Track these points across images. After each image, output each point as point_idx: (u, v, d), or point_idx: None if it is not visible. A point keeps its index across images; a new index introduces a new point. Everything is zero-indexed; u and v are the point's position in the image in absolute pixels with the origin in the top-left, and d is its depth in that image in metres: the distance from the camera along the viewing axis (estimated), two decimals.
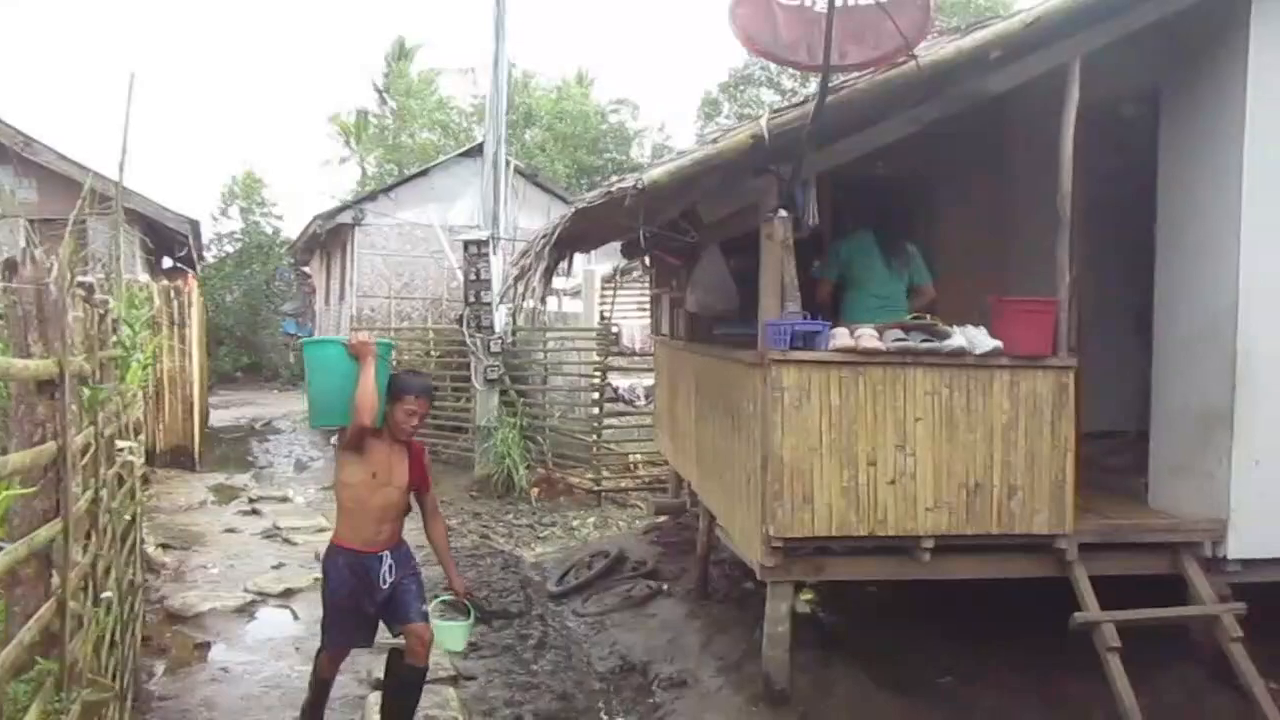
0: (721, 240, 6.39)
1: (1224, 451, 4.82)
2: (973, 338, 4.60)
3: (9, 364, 1.82)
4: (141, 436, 11.92)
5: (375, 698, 5.26)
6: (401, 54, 32.82)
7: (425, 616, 4.49)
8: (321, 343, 4.50)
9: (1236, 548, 4.85)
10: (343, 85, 64.12)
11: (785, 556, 4.67)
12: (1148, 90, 5.38)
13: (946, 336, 4.57)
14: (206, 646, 6.26)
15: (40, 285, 2.05)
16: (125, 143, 8.61)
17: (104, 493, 3.95)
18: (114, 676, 4.55)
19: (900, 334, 4.59)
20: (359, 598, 4.36)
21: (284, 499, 11.32)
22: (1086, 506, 5.17)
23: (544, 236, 4.98)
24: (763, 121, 4.18)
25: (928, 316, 4.68)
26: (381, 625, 4.60)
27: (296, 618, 6.93)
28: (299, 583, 7.63)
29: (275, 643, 6.35)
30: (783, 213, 4.41)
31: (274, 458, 15.32)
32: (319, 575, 7.93)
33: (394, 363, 14.03)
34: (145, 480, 11.77)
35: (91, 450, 3.88)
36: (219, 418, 20.26)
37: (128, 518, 4.91)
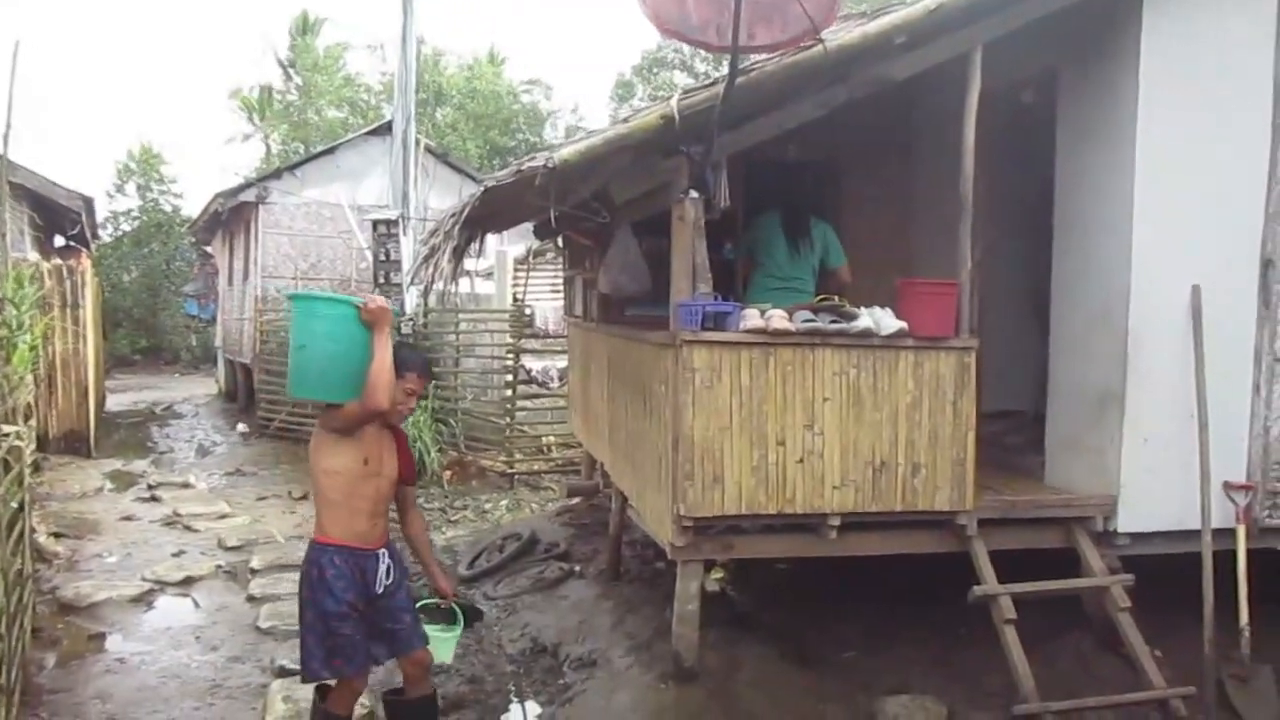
0: (634, 221, 6.38)
1: (1115, 430, 5.02)
2: (879, 319, 4.69)
3: None
4: (32, 421, 11.43)
5: (279, 685, 5.15)
6: (305, 28, 31.83)
7: (425, 638, 4.00)
8: (323, 300, 3.75)
9: (1126, 522, 5.06)
10: (244, 59, 61.99)
11: (695, 535, 4.71)
12: (1048, 75, 5.54)
13: (854, 318, 4.65)
14: (101, 637, 6.04)
15: None
16: (8, 114, 8.16)
17: None
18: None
19: (809, 315, 4.65)
20: (355, 606, 3.72)
21: (185, 485, 10.98)
22: (985, 484, 5.34)
23: (453, 215, 4.89)
24: (673, 102, 4.18)
25: (836, 298, 4.75)
26: None
27: (197, 606, 6.73)
28: (200, 570, 7.42)
29: (174, 632, 6.15)
30: (694, 194, 4.42)
31: (175, 443, 14.84)
32: (220, 563, 7.78)
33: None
34: (36, 467, 11.29)
35: None
36: (116, 402, 19.58)
37: (14, 505, 4.68)
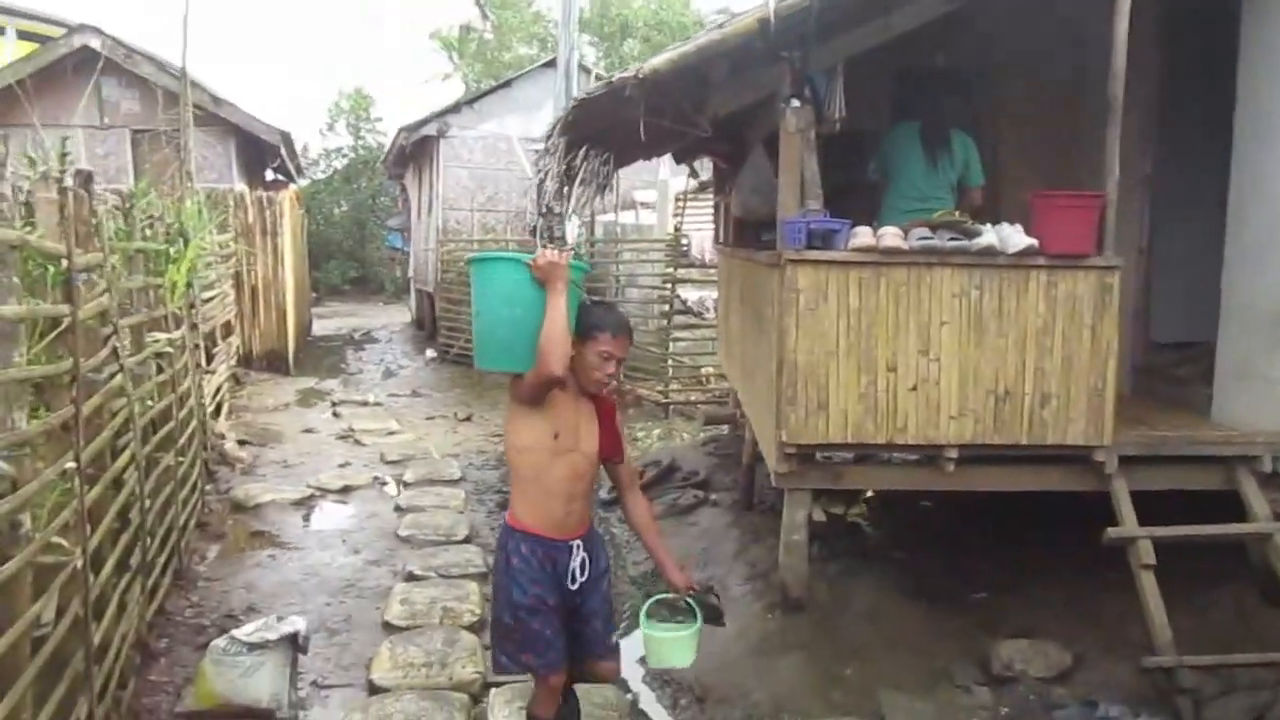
0: (768, 138, 6.13)
1: None
2: (1005, 236, 4.30)
3: None
4: (233, 339, 12.48)
5: (401, 588, 5.42)
6: None
7: (617, 647, 3.43)
8: (494, 260, 3.25)
9: None
10: (446, 2, 64.00)
11: (800, 463, 4.54)
12: None
13: (976, 235, 4.28)
14: (260, 535, 6.55)
15: None
16: (186, 36, 8.72)
17: (120, 378, 4.09)
18: (159, 553, 4.81)
19: (926, 232, 4.32)
20: (546, 600, 3.22)
21: (364, 403, 11.69)
22: (1138, 418, 4.87)
23: (551, 130, 4.83)
24: (770, 3, 3.91)
25: (956, 214, 4.38)
26: None
27: (350, 512, 7.17)
28: (359, 480, 7.90)
29: (324, 534, 6.59)
30: (795, 102, 4.16)
31: (365, 365, 15.80)
32: (378, 475, 8.26)
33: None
34: (237, 381, 12.36)
35: (110, 332, 4.01)
36: (322, 327, 21.04)
37: (160, 405, 5.09)
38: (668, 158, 14.87)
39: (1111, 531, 4.40)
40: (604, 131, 5.21)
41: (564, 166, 5.26)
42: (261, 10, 58.14)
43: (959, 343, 4.37)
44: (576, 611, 3.32)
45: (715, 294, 11.04)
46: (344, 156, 32.94)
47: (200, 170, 14.92)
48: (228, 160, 14.97)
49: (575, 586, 3.26)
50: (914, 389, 4.39)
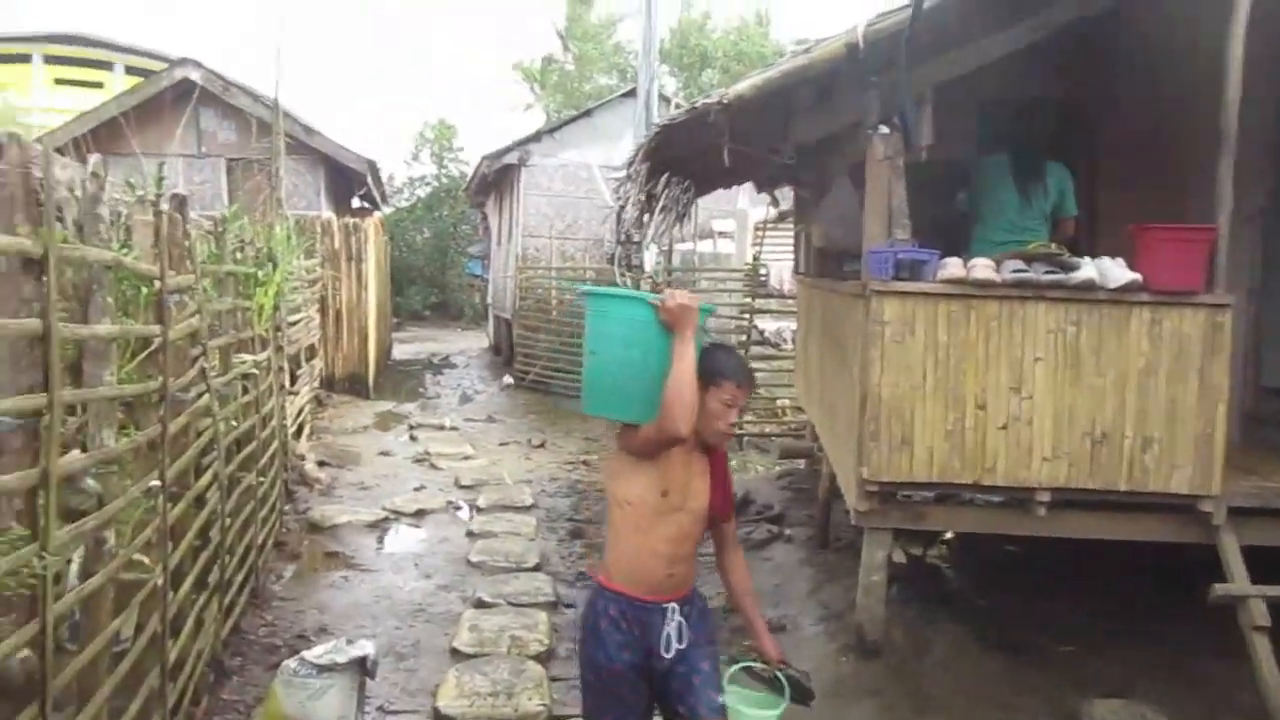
0: (853, 168, 6.03)
1: None
2: (1105, 270, 4.11)
3: None
4: (317, 361, 12.74)
5: (470, 615, 5.37)
6: None
7: (723, 711, 3.00)
8: (615, 297, 2.97)
9: None
10: (531, 35, 65.34)
11: (882, 502, 4.38)
12: None
13: (1074, 268, 4.10)
14: (335, 556, 6.59)
15: (25, 169, 2.10)
16: (279, 71, 8.98)
17: (207, 398, 4.15)
18: (236, 572, 4.86)
19: (1020, 265, 4.15)
20: (635, 666, 2.92)
21: (441, 427, 11.79)
22: (1249, 468, 4.59)
23: (633, 156, 4.79)
24: (859, 28, 3.83)
25: (1053, 245, 4.20)
26: None
27: (422, 536, 7.19)
28: (432, 504, 7.93)
29: (396, 557, 6.61)
30: (883, 129, 4.05)
31: (443, 389, 16.00)
32: (452, 499, 8.29)
33: (552, 300, 14.19)
34: (319, 403, 12.60)
35: (200, 354, 4.08)
36: (402, 351, 21.44)
37: (244, 425, 5.16)
38: (747, 187, 14.83)
39: (1219, 588, 4.13)
40: (685, 159, 5.17)
41: (644, 194, 5.22)
42: (352, 43, 60.07)
43: (1054, 381, 4.18)
44: (672, 679, 2.95)
45: (794, 325, 10.90)
46: (427, 185, 33.71)
47: (290, 197, 15.35)
48: (316, 188, 15.38)
49: (671, 654, 2.90)
50: (1004, 428, 4.21)
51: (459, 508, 7.98)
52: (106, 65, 24.21)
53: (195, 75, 14.28)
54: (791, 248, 12.71)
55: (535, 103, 34.37)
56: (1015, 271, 4.12)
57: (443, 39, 60.36)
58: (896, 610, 5.02)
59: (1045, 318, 4.16)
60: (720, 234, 14.25)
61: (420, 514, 7.70)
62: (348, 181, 16.52)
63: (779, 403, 11.36)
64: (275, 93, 9.36)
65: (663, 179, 5.49)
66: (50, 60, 23.14)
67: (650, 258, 11.88)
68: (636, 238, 11.71)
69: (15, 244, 2.06)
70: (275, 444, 6.65)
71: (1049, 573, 5.57)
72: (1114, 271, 4.10)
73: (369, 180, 15.90)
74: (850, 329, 4.69)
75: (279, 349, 7.52)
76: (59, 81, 23.04)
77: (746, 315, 10.86)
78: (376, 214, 21.06)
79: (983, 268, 4.12)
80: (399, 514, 7.67)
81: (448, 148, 33.64)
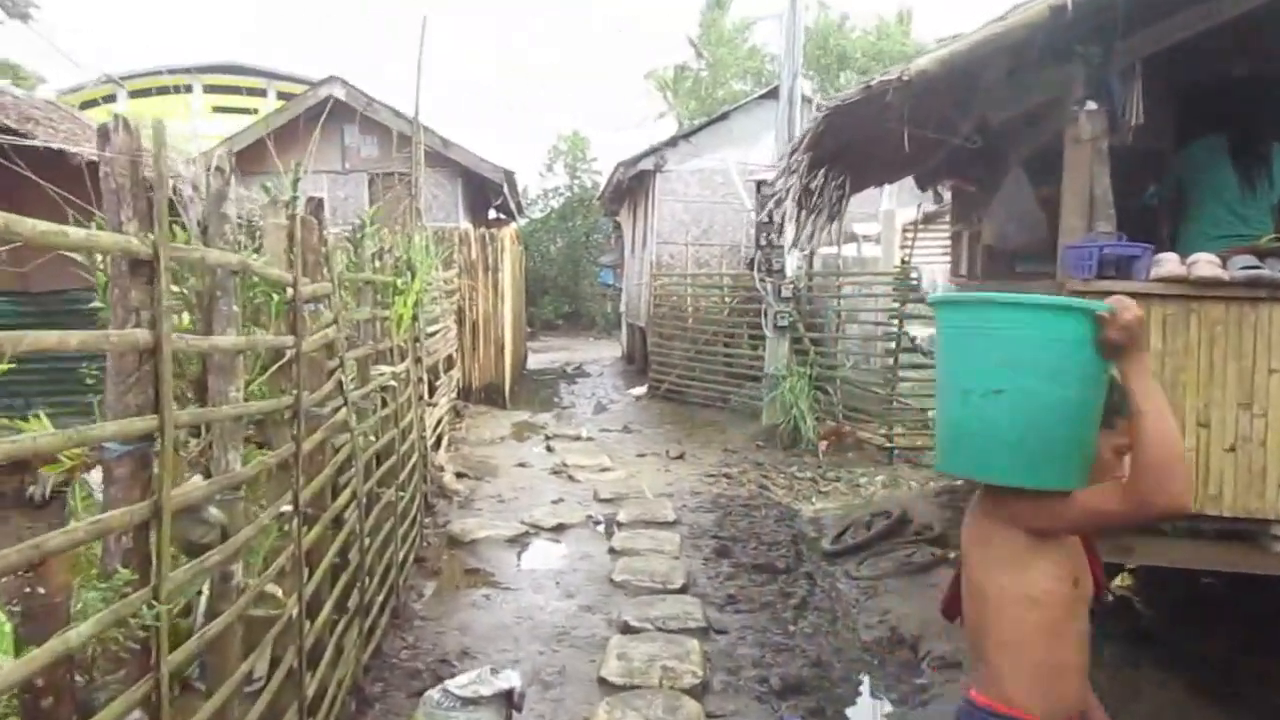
0: (1027, 161, 5.48)
1: None
2: None
3: (70, 233, 1.60)
4: (454, 372, 12.79)
5: (617, 641, 5.08)
6: (718, 4, 32.80)
7: None
8: (1025, 307, 2.07)
9: None
10: (663, 43, 65.48)
11: None
12: None
13: None
14: (476, 572, 6.42)
15: (135, 155, 1.88)
16: (419, 84, 8.98)
17: (344, 412, 3.97)
18: (378, 593, 4.69)
19: (1252, 260, 3.57)
20: None
21: (577, 438, 11.62)
22: None
23: (795, 147, 4.39)
24: None
25: None
26: None
27: (563, 553, 6.96)
28: (571, 518, 7.69)
29: (537, 575, 6.38)
30: (1091, 104, 3.54)
31: (578, 399, 15.91)
32: (591, 513, 8.05)
33: (687, 308, 13.96)
34: (458, 414, 12.64)
35: (336, 366, 3.91)
36: (536, 360, 21.60)
37: (383, 440, 5.01)
38: (892, 187, 14.19)
39: None
40: (842, 150, 4.74)
41: (804, 187, 4.81)
42: (492, 57, 61.50)
43: None
44: None
45: None
46: (560, 196, 34.08)
47: (429, 209, 15.57)
48: (454, 199, 15.56)
49: None
50: (1231, 449, 3.62)
51: (599, 522, 7.73)
52: (261, 92, 25.36)
53: (339, 93, 14.64)
54: (945, 249, 12.02)
55: (669, 111, 34.24)
56: (1246, 268, 3.53)
57: (574, 55, 61.13)
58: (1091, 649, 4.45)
59: None
60: (864, 237, 13.64)
61: (560, 528, 7.48)
62: (484, 193, 16.67)
63: (930, 413, 10.69)
64: (415, 104, 9.38)
65: (820, 173, 5.08)
66: (210, 90, 24.33)
67: (791, 262, 11.41)
68: (779, 241, 11.27)
69: (121, 242, 1.84)
70: (415, 457, 6.54)
71: (1258, 613, 4.88)
72: None
73: (505, 190, 15.98)
74: None
75: (418, 360, 7.44)
76: (217, 109, 24.22)
77: (895, 321, 10.25)
78: (511, 225, 21.29)
79: (1206, 264, 3.55)
80: (538, 528, 7.47)
81: (581, 158, 33.97)
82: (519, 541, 7.11)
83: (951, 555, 6.60)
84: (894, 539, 7.18)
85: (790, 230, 10.93)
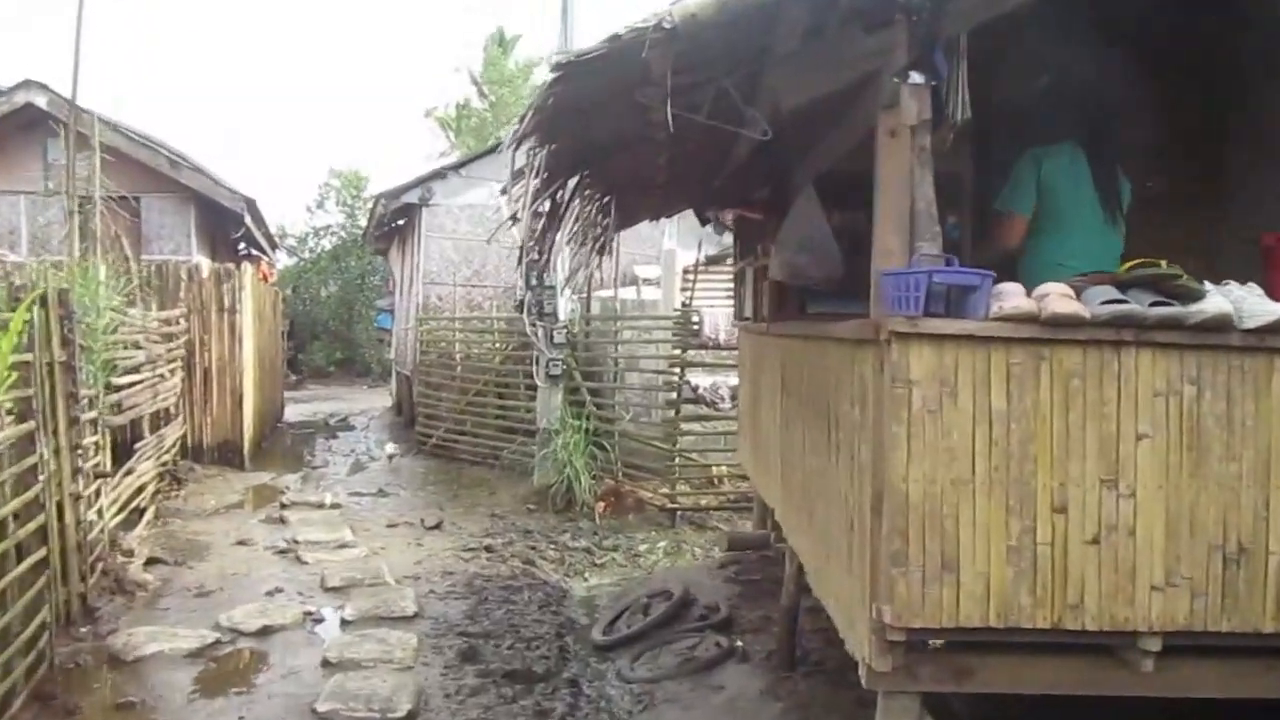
0: (821, 178, 4.64)
1: None
2: (1241, 300, 2.72)
3: None
4: (173, 429, 10.83)
5: None
6: (500, 43, 31.99)
7: None
8: None
9: None
10: (441, 80, 64.12)
11: (908, 653, 2.86)
12: None
13: (1195, 297, 2.70)
14: (128, 709, 4.79)
15: None
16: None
17: None
18: None
19: (1113, 292, 2.74)
20: None
21: (319, 505, 9.98)
22: None
23: (520, 127, 3.27)
24: None
25: (1163, 264, 2.79)
26: None
27: (258, 669, 5.41)
28: (283, 617, 6.15)
29: (214, 710, 4.82)
30: (915, 76, 2.63)
31: (334, 456, 14.17)
32: (312, 608, 6.55)
33: (456, 355, 12.54)
34: (177, 480, 10.68)
35: None
36: (298, 412, 19.53)
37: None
38: (673, 228, 13.49)
39: None
40: (603, 154, 3.68)
41: (547, 195, 3.70)
42: (255, 88, 58.01)
43: (1165, 468, 2.76)
44: None
45: (731, 380, 9.46)
46: (334, 235, 31.90)
47: (155, 240, 13.53)
48: (186, 230, 13.57)
49: None
50: (1094, 542, 2.76)
51: (319, 620, 6.23)
52: None
53: (40, 100, 12.41)
54: (725, 292, 11.34)
55: (451, 150, 32.91)
56: (1108, 302, 2.69)
57: (349, 86, 58.54)
58: None
59: (1152, 372, 2.74)
60: (645, 281, 12.83)
61: (265, 632, 5.92)
62: (225, 224, 14.70)
63: (714, 470, 9.85)
64: (73, 84, 7.61)
65: (572, 184, 4.03)
66: None
67: (565, 305, 10.35)
68: (550, 281, 10.19)
69: None
70: (42, 550, 4.88)
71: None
72: (1252, 303, 2.71)
73: (248, 221, 14.08)
74: (846, 390, 3.22)
75: (73, 421, 5.75)
76: None
77: (676, 369, 9.37)
78: (264, 261, 19.23)
79: (1060, 297, 2.69)
80: (236, 633, 5.89)
81: (356, 196, 31.94)
82: (203, 656, 5.50)
83: (739, 644, 5.61)
84: (676, 625, 6.12)
85: (562, 270, 9.91)
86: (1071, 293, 2.74)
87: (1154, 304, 2.70)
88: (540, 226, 4.20)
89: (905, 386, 2.71)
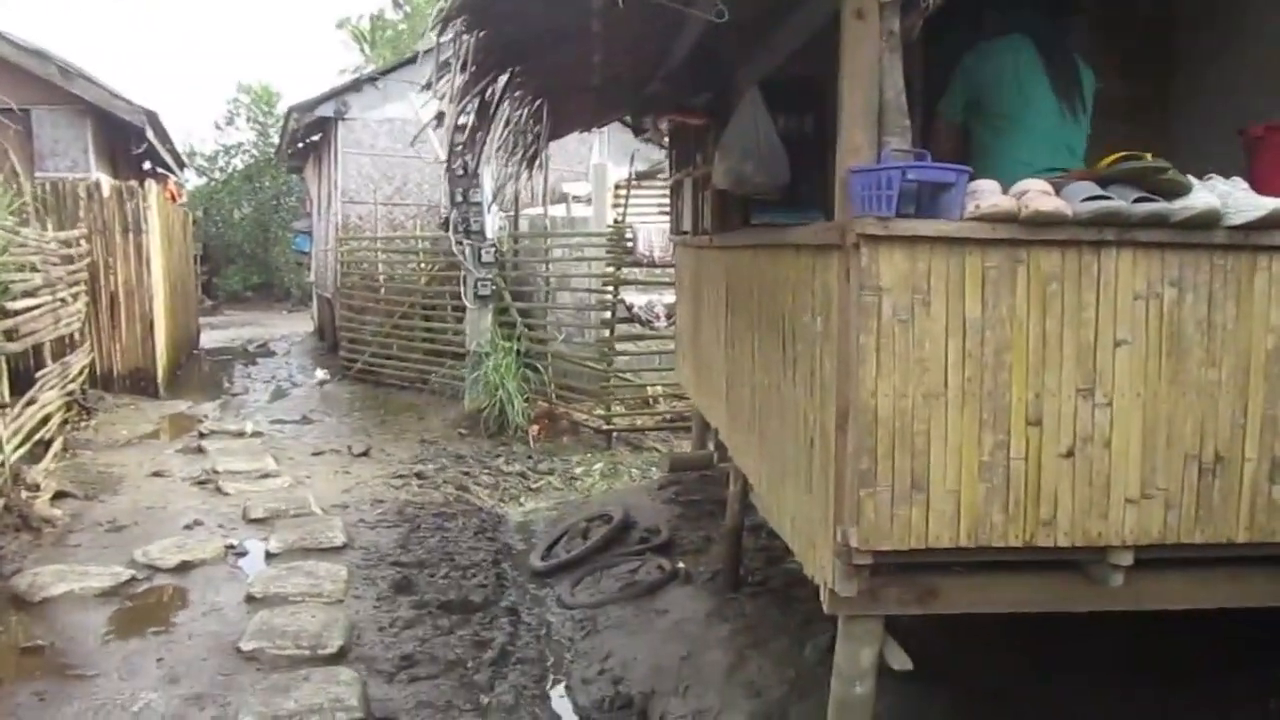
0: (765, 84, 4.36)
1: None
2: (1228, 194, 2.55)
3: None
4: (79, 357, 10.23)
5: None
6: None
7: None
8: None
9: None
10: None
11: (873, 578, 2.71)
12: None
13: (1181, 191, 2.53)
14: (37, 653, 4.48)
15: None
16: None
17: None
18: None
19: (1093, 188, 2.54)
20: None
21: (239, 434, 9.57)
22: None
23: (446, 10, 2.91)
24: None
25: (1148, 156, 2.60)
26: None
27: (178, 607, 5.12)
28: (204, 552, 5.84)
29: (130, 650, 4.52)
30: None
31: (254, 383, 13.69)
32: (234, 541, 6.25)
33: (380, 277, 12.10)
34: (86, 410, 10.12)
35: None
36: (214, 338, 18.90)
37: None
38: (603, 141, 13.06)
39: None
40: (535, 48, 3.35)
41: (476, 93, 3.36)
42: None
43: (1143, 375, 2.61)
44: None
45: (667, 298, 9.24)
46: (246, 154, 30.51)
47: (50, 157, 12.64)
48: (83, 145, 12.67)
49: None
50: (1069, 455, 2.61)
51: (242, 554, 5.94)
52: None
53: None
54: (659, 208, 11.04)
55: (366, 65, 31.49)
56: (1090, 199, 2.50)
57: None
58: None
59: (1132, 274, 2.58)
60: (575, 197, 12.42)
61: (184, 568, 5.61)
62: (127, 140, 13.79)
63: (650, 390, 9.69)
64: None
65: (502, 82, 3.69)
66: None
67: (492, 222, 9.95)
68: (477, 197, 9.75)
69: None
70: None
71: (1057, 630, 4.08)
72: (1239, 198, 2.55)
73: (150, 136, 13.21)
74: (805, 300, 3.00)
75: None
76: None
77: (610, 288, 9.10)
78: (173, 180, 18.23)
79: (1041, 194, 2.49)
80: (153, 569, 5.57)
81: (268, 112, 30.49)
82: (118, 595, 5.19)
83: (681, 566, 5.49)
84: (617, 548, 5.99)
85: (489, 184, 9.50)
86: (1051, 190, 2.54)
87: (1139, 200, 2.51)
88: (469, 126, 3.85)
89: (875, 294, 2.50)
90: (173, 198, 16.82)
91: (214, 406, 11.48)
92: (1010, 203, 2.47)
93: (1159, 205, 2.49)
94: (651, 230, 9.46)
